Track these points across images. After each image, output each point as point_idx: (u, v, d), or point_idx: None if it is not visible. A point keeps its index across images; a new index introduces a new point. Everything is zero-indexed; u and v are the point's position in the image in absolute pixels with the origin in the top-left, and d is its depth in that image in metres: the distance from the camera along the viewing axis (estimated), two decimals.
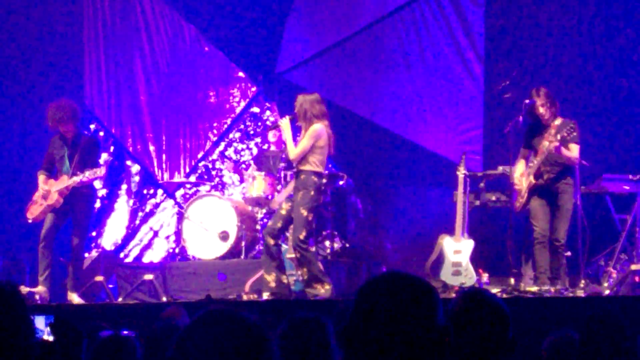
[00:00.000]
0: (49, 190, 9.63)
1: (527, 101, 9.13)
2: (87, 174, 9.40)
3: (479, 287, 3.98)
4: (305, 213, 8.88)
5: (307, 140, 8.90)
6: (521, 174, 9.22)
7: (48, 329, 3.07)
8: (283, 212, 9.06)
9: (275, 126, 9.31)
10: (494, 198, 10.50)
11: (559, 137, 8.82)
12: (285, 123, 9.02)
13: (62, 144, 9.75)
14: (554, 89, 9.56)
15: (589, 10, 11.16)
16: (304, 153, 8.87)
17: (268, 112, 12.73)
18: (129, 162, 12.99)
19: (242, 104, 12.82)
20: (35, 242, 10.10)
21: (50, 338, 3.02)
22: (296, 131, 9.13)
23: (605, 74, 11.06)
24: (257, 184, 10.52)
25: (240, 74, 12.83)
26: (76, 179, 9.44)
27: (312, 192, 8.89)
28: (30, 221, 9.88)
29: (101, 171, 9.45)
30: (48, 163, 9.84)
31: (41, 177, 9.77)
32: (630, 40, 11.03)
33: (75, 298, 9.61)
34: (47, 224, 9.71)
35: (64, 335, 3.00)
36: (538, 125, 9.14)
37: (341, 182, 10.82)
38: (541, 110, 9.07)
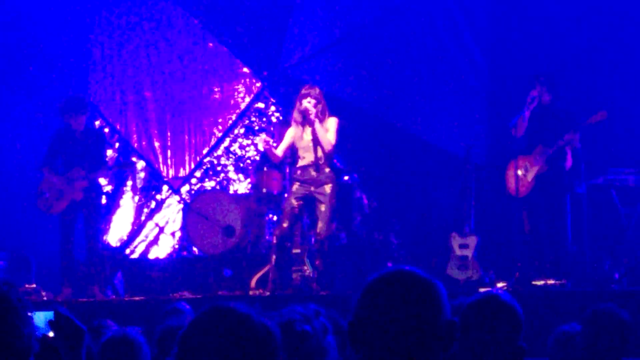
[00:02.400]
0: (65, 183, 9.72)
1: (534, 94, 9.14)
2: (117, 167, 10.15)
3: (497, 291, 3.95)
4: (335, 205, 9.09)
5: (336, 133, 9.00)
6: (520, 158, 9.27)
7: (48, 325, 3.06)
8: (296, 211, 9.10)
9: (305, 113, 8.99)
10: (500, 192, 10.50)
11: (587, 123, 8.89)
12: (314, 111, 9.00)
13: (70, 137, 9.86)
14: (559, 82, 9.55)
15: (596, 3, 11.13)
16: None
17: (273, 108, 12.73)
18: (134, 159, 13.00)
19: (247, 99, 12.82)
20: (41, 238, 10.13)
21: (51, 334, 3.01)
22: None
23: (612, 67, 11.03)
24: (265, 181, 10.50)
25: (245, 69, 12.82)
26: (102, 176, 9.98)
27: (336, 186, 9.11)
28: (49, 213, 10.00)
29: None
30: (52, 157, 9.94)
31: (48, 171, 9.88)
32: (638, 33, 11.00)
33: (97, 291, 9.71)
34: (68, 222, 9.83)
35: (64, 331, 3.00)
36: (537, 110, 9.16)
37: (346, 178, 10.82)
38: (542, 97, 9.13)
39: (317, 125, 8.93)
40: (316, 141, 9.00)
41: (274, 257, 9.11)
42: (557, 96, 9.24)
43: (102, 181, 12.49)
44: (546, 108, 9.21)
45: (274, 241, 9.15)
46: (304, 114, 9.00)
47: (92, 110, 10.26)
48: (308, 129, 9.04)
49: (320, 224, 8.99)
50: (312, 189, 9.00)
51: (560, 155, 9.12)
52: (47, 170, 9.93)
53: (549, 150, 9.07)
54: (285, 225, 9.06)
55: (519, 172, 9.21)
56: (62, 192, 9.79)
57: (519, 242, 9.25)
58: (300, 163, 9.11)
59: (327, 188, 8.97)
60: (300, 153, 9.13)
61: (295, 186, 9.10)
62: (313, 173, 8.99)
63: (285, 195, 10.25)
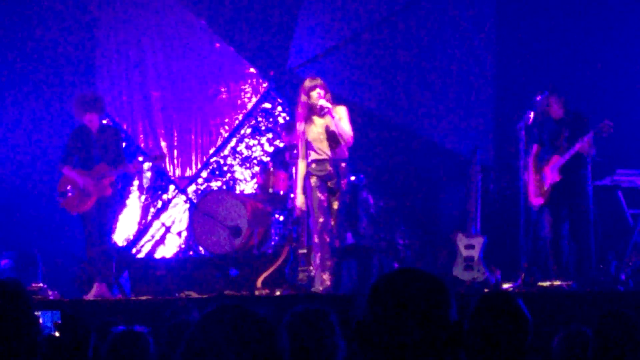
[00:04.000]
0: (90, 180, 9.65)
1: (538, 98, 9.15)
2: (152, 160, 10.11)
3: (503, 290, 3.93)
4: (348, 200, 8.93)
5: (349, 122, 8.74)
6: (536, 170, 9.31)
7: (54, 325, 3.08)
8: (325, 203, 8.79)
9: (322, 110, 8.70)
10: (506, 193, 10.51)
11: (591, 134, 8.91)
12: (331, 107, 8.71)
13: (86, 134, 9.78)
14: (566, 84, 9.56)
15: (604, 4, 11.12)
16: None
17: (280, 108, 12.73)
18: (140, 158, 13.01)
19: (254, 99, 12.83)
20: (48, 237, 10.11)
21: (57, 334, 3.02)
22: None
23: (618, 68, 11.02)
24: (272, 181, 10.49)
25: (252, 69, 12.83)
26: (127, 167, 9.83)
27: (350, 182, 8.95)
28: (75, 213, 9.88)
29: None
30: (70, 155, 9.85)
31: (69, 169, 9.78)
32: None
33: (104, 290, 9.60)
34: (95, 219, 9.73)
35: (70, 331, 3.01)
36: (550, 121, 9.19)
37: (352, 178, 10.82)
38: (556, 106, 9.14)
39: (335, 116, 8.66)
40: (330, 134, 8.73)
41: (318, 255, 8.73)
42: (568, 109, 9.28)
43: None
44: (559, 121, 9.24)
45: (315, 240, 8.77)
46: (317, 108, 8.70)
47: (105, 107, 10.07)
48: (318, 122, 8.76)
49: (331, 221, 8.75)
50: (329, 184, 8.74)
51: (576, 163, 9.15)
52: (67, 168, 9.84)
53: (562, 160, 9.11)
54: (321, 220, 8.67)
55: (537, 181, 9.26)
56: (88, 190, 9.66)
57: (525, 243, 9.23)
58: (314, 157, 8.80)
59: (343, 184, 8.74)
60: (314, 146, 8.82)
61: (314, 179, 8.78)
62: (329, 167, 8.72)
63: (292, 195, 10.22)
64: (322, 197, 8.75)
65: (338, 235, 8.82)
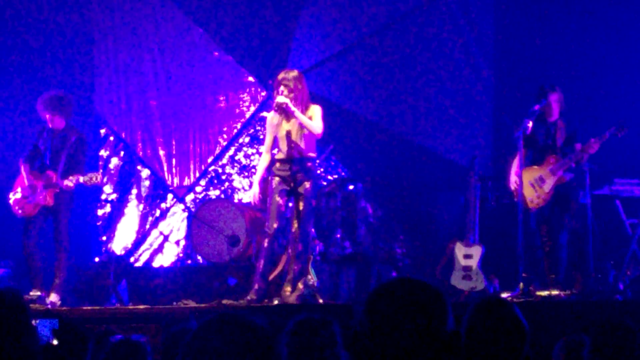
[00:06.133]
0: (36, 185, 9.46)
1: (536, 107, 9.15)
2: (84, 179, 9.10)
3: (498, 297, 3.91)
4: (314, 203, 8.68)
5: (322, 120, 8.43)
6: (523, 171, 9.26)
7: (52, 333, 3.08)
8: (282, 209, 8.58)
9: (280, 107, 8.45)
10: (504, 202, 10.50)
11: (607, 135, 8.91)
12: (288, 101, 8.40)
13: (48, 136, 9.56)
14: (564, 92, 9.56)
15: (601, 12, 11.14)
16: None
17: None
18: (139, 167, 13.00)
19: (252, 108, 12.82)
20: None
21: (55, 342, 3.03)
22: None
23: (616, 77, 11.04)
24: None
25: (250, 78, 12.83)
26: (70, 183, 9.15)
27: (318, 181, 8.65)
28: (20, 216, 9.68)
29: (97, 177, 9.13)
30: (31, 153, 9.61)
31: (25, 168, 9.57)
32: None
33: (54, 297, 9.45)
34: (36, 225, 9.56)
35: (68, 340, 3.01)
36: (540, 121, 9.18)
37: (351, 187, 10.81)
38: (553, 105, 9.14)
39: (297, 114, 8.36)
40: (290, 138, 8.47)
41: (262, 262, 8.63)
42: (562, 111, 9.28)
43: (107, 189, 12.53)
44: (553, 122, 9.23)
45: (265, 245, 8.60)
46: (275, 105, 8.49)
47: (71, 110, 9.69)
48: (285, 123, 8.57)
49: (295, 224, 8.51)
50: (292, 185, 8.49)
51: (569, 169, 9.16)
52: (23, 166, 9.60)
53: (568, 160, 9.07)
54: (275, 225, 8.50)
55: (532, 182, 9.20)
56: (33, 195, 9.42)
57: (523, 252, 9.20)
58: (279, 156, 8.61)
59: (307, 184, 8.46)
60: (280, 144, 8.59)
61: (276, 181, 8.60)
62: (292, 168, 8.48)
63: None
64: (281, 202, 8.57)
65: (301, 239, 8.50)
